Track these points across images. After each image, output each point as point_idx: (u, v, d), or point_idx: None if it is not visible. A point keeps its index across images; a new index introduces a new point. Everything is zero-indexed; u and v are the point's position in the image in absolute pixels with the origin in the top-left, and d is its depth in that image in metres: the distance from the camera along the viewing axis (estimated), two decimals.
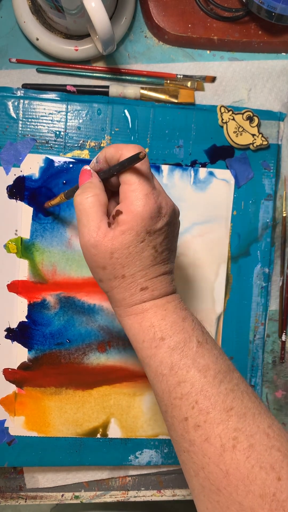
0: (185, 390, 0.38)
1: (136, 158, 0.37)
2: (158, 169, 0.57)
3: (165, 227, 0.40)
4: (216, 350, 0.40)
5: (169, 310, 0.40)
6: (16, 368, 0.57)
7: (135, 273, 0.40)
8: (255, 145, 0.57)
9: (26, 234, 0.56)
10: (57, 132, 0.56)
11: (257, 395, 0.40)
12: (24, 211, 0.56)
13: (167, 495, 0.62)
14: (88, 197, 0.40)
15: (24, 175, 0.55)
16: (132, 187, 0.39)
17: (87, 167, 0.42)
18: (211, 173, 0.57)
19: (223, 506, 0.35)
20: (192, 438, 0.37)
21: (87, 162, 0.56)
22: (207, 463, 0.36)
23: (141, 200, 0.38)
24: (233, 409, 0.37)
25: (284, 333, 0.60)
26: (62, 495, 0.60)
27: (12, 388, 0.57)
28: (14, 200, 0.55)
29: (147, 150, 0.57)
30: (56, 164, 0.55)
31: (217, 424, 0.36)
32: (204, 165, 0.58)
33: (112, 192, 0.43)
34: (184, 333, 0.39)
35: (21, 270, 0.56)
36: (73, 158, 0.56)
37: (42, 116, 0.55)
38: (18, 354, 0.57)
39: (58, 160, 0.55)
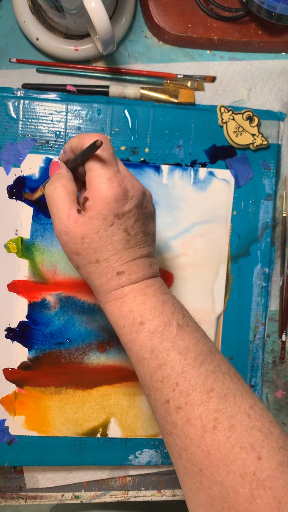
0: (166, 373, 0.38)
1: (93, 146, 0.38)
2: (158, 169, 0.57)
3: (134, 210, 0.41)
4: (197, 332, 0.40)
5: (148, 295, 0.41)
6: (16, 368, 0.57)
7: (108, 257, 0.40)
8: (255, 145, 0.57)
9: (26, 234, 0.56)
10: (57, 132, 0.56)
11: (240, 376, 0.40)
12: (24, 211, 0.56)
13: (167, 495, 0.62)
14: (56, 188, 0.41)
15: (24, 175, 0.55)
16: (95, 173, 0.40)
17: (55, 158, 0.44)
18: (211, 173, 0.57)
19: (206, 487, 0.36)
20: (174, 420, 0.37)
21: None
22: (189, 445, 0.37)
23: (104, 184, 0.39)
24: (214, 390, 0.37)
25: (284, 333, 0.60)
26: (62, 495, 0.60)
27: (12, 387, 0.57)
28: (15, 200, 0.56)
29: (147, 150, 0.57)
30: None
31: (197, 405, 0.37)
32: (204, 165, 0.58)
33: (84, 182, 0.44)
34: (164, 317, 0.40)
35: (21, 270, 0.56)
36: None
37: (42, 116, 0.55)
38: (18, 354, 0.57)
39: None
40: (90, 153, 0.40)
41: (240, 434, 0.35)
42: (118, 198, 0.39)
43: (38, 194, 0.53)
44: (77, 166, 0.43)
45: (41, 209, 0.56)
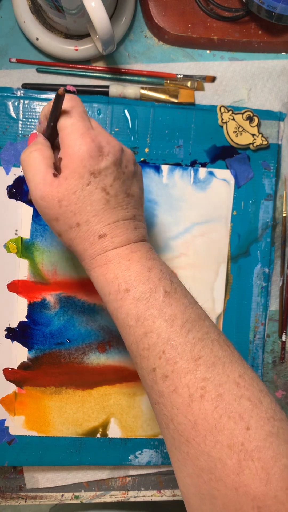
0: (152, 341, 0.37)
1: (58, 97, 0.37)
2: (158, 169, 0.57)
3: (112, 167, 0.39)
4: (185, 299, 0.39)
5: (133, 260, 0.39)
6: (16, 368, 0.57)
7: (88, 219, 0.39)
8: (255, 145, 0.57)
9: (26, 234, 0.56)
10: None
11: (231, 344, 0.39)
12: (24, 211, 0.56)
13: (167, 495, 0.62)
14: (31, 152, 0.40)
15: None
16: (66, 131, 0.39)
17: (34, 131, 0.44)
18: (211, 173, 0.57)
19: (193, 457, 0.35)
20: (161, 389, 0.37)
21: None
22: (175, 414, 0.36)
23: (77, 141, 0.38)
24: (201, 358, 0.36)
25: (284, 333, 0.60)
26: (62, 495, 0.60)
27: (12, 387, 0.57)
28: (14, 200, 0.56)
29: (147, 150, 0.57)
30: None
31: (184, 373, 0.36)
32: (204, 165, 0.58)
33: None
34: (150, 283, 0.38)
35: (21, 270, 0.56)
36: None
37: None
38: (18, 354, 0.57)
39: None
40: (57, 108, 0.39)
41: (228, 404, 0.34)
42: (92, 154, 0.38)
43: None
44: (52, 132, 0.41)
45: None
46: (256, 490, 0.32)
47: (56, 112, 0.39)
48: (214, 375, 0.35)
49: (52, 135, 0.42)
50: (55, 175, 0.39)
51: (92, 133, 0.39)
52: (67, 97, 0.40)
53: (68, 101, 0.40)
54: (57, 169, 0.40)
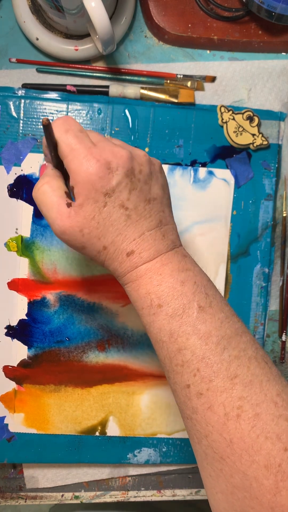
0: (186, 358, 0.36)
1: (44, 128, 0.36)
2: None
3: (124, 180, 0.37)
4: (222, 313, 0.38)
5: (165, 274, 0.38)
6: (16, 366, 0.57)
7: (113, 240, 0.38)
8: (255, 145, 0.57)
9: (26, 233, 0.56)
10: None
11: (269, 360, 0.38)
12: (24, 210, 0.56)
13: (167, 495, 0.62)
14: (40, 187, 0.39)
15: (25, 174, 0.56)
16: (69, 158, 0.37)
17: (44, 162, 0.42)
18: (210, 173, 0.58)
19: (227, 475, 0.34)
20: (195, 405, 0.36)
21: None
22: (210, 432, 0.35)
23: (82, 166, 0.37)
24: (238, 376, 0.35)
25: (284, 333, 0.60)
26: (62, 495, 0.61)
27: (12, 385, 0.57)
28: (15, 199, 0.56)
29: (147, 149, 0.57)
30: None
31: (220, 392, 0.35)
32: (204, 164, 0.58)
33: None
34: (183, 299, 0.37)
35: (22, 268, 0.57)
36: None
37: (43, 115, 0.56)
38: (18, 352, 0.57)
39: None
40: (50, 138, 0.37)
41: (266, 424, 0.33)
42: (101, 175, 0.36)
43: None
44: (58, 161, 0.40)
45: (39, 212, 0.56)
46: None
47: (52, 142, 0.38)
48: (251, 394, 0.35)
49: (59, 163, 0.41)
50: (69, 205, 0.38)
51: (95, 152, 0.37)
52: (57, 122, 0.38)
53: (60, 126, 0.38)
54: (71, 196, 0.39)
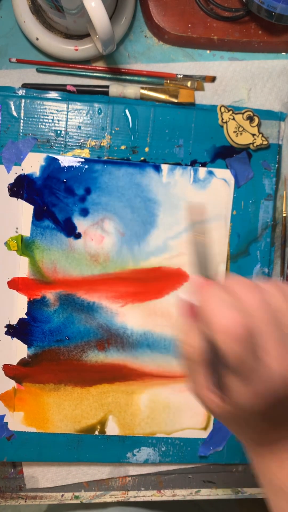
0: None
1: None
2: (158, 168, 0.57)
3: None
4: None
5: None
6: (15, 364, 0.57)
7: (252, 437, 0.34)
8: (255, 145, 0.57)
9: (26, 232, 0.56)
10: (58, 131, 0.56)
11: None
12: (24, 210, 0.56)
13: (167, 495, 0.62)
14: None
15: (25, 173, 0.56)
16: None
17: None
18: (210, 172, 0.58)
19: None
20: None
21: (87, 160, 0.56)
22: None
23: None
24: None
25: None
26: (62, 495, 0.61)
27: (11, 384, 0.58)
28: (15, 198, 0.56)
29: (147, 149, 0.57)
30: (56, 163, 0.56)
31: None
32: (204, 164, 0.58)
33: None
34: None
35: (22, 267, 0.57)
36: (74, 157, 0.56)
37: (43, 115, 0.56)
38: (18, 351, 0.57)
39: (59, 158, 0.56)
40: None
41: None
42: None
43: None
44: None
45: (40, 210, 0.56)
46: None
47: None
48: None
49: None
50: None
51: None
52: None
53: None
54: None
